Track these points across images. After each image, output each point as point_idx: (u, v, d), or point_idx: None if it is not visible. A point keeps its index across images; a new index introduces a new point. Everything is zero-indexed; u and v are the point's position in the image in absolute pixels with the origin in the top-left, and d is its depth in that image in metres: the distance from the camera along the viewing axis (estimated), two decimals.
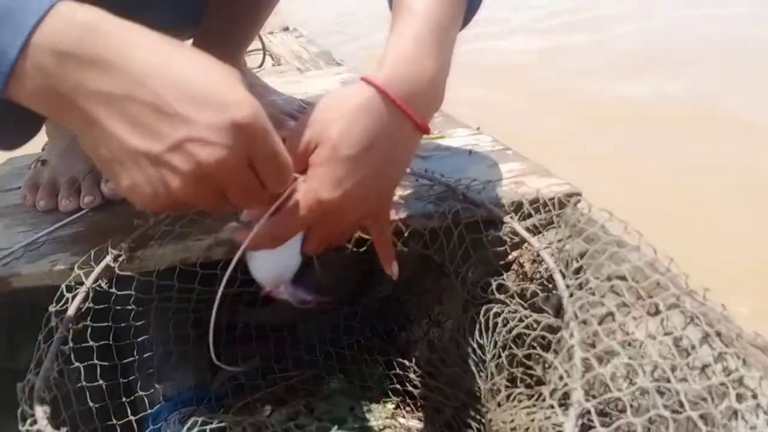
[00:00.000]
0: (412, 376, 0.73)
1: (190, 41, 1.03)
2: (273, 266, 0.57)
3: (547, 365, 0.64)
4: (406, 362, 0.75)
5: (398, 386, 0.75)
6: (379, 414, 0.71)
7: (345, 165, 0.49)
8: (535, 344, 0.63)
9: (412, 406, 0.73)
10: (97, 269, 0.60)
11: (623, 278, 0.61)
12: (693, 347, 0.51)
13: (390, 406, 0.73)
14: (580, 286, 0.63)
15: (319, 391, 0.76)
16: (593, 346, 0.58)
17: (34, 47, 0.37)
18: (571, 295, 0.59)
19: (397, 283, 0.84)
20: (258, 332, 0.78)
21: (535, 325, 0.63)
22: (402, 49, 0.52)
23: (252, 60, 1.41)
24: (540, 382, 0.64)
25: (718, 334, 0.51)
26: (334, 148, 0.49)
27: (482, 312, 0.65)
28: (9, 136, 0.49)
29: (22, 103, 0.39)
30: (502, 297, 0.67)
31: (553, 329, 0.62)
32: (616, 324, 0.60)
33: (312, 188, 0.50)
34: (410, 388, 0.74)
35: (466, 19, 0.60)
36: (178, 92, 0.38)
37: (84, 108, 0.38)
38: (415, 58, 0.52)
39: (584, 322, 0.60)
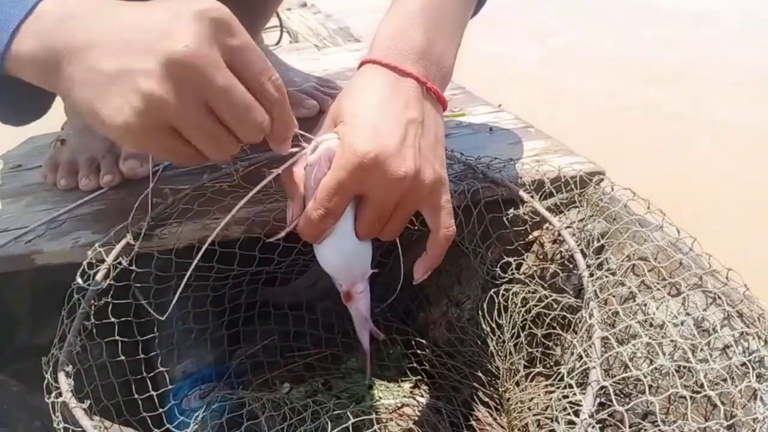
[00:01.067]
0: (430, 355, 0.73)
1: None
2: (338, 255, 0.54)
3: (566, 345, 0.64)
4: (424, 342, 0.75)
5: (416, 365, 0.75)
6: (396, 392, 0.71)
7: (378, 113, 0.49)
8: (554, 324, 0.63)
9: (429, 385, 0.73)
10: (118, 247, 0.61)
11: (645, 258, 0.60)
12: (714, 328, 0.51)
13: (408, 385, 0.74)
14: (601, 266, 0.62)
15: (338, 369, 0.76)
16: (613, 326, 0.57)
17: (35, 16, 0.42)
18: (592, 274, 0.58)
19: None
20: (276, 310, 0.79)
21: (554, 305, 0.62)
22: (386, 28, 0.54)
23: (269, 37, 1.40)
24: (559, 363, 0.63)
25: (740, 315, 0.50)
26: (352, 103, 0.51)
27: (501, 292, 0.65)
28: (19, 112, 0.50)
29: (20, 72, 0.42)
30: (521, 277, 0.67)
31: (573, 309, 0.62)
32: (637, 304, 0.60)
33: (346, 140, 0.48)
34: (428, 368, 0.74)
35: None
36: (137, 25, 0.40)
37: (72, 61, 0.41)
38: (400, 32, 0.53)
39: (605, 302, 0.59)
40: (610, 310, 0.58)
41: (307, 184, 0.51)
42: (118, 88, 0.39)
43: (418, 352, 0.75)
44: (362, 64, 0.53)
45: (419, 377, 0.75)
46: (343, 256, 0.54)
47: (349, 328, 0.82)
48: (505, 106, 0.90)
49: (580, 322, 0.60)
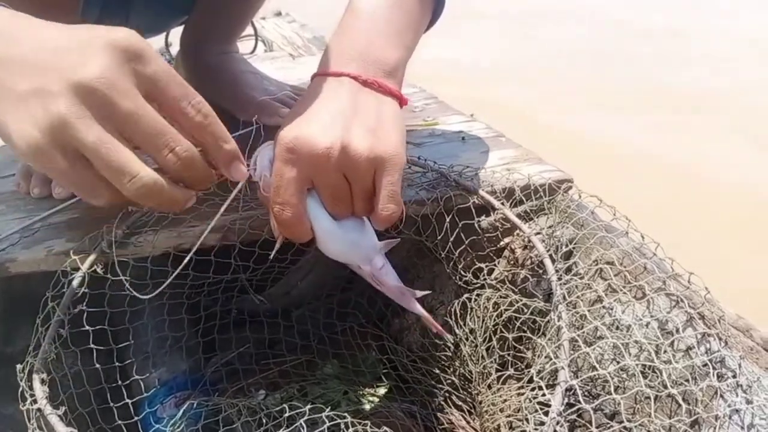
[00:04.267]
0: (404, 360, 0.75)
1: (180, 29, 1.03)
2: (335, 242, 0.57)
3: (536, 348, 0.65)
4: (399, 347, 0.76)
5: (391, 371, 0.76)
6: (372, 398, 0.72)
7: (304, 108, 0.55)
8: (525, 328, 0.64)
9: (404, 390, 0.74)
10: (92, 255, 0.61)
11: (611, 263, 0.62)
12: (677, 329, 0.53)
13: (382, 390, 0.75)
14: (569, 270, 0.64)
15: (313, 375, 0.77)
16: (581, 328, 0.59)
17: None
18: (560, 279, 0.60)
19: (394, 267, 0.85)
20: (251, 318, 0.79)
21: (525, 310, 0.64)
22: (330, 43, 0.61)
23: (244, 46, 1.40)
24: (530, 366, 0.65)
25: (702, 317, 0.52)
26: (289, 113, 0.57)
27: (474, 297, 0.66)
28: None
29: None
30: (493, 282, 0.68)
31: (544, 313, 0.64)
32: (603, 307, 0.62)
33: (277, 138, 0.55)
34: (403, 373, 0.75)
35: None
36: (52, 47, 0.41)
37: None
38: (337, 41, 0.59)
39: (573, 305, 0.61)
40: (578, 312, 0.60)
41: (267, 192, 0.56)
42: (27, 108, 0.40)
43: (393, 357, 0.76)
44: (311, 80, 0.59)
45: (394, 382, 0.76)
46: (341, 241, 0.57)
47: (324, 335, 0.83)
48: (477, 115, 0.92)
49: (549, 325, 0.62)
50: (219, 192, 0.70)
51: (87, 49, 0.41)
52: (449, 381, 0.70)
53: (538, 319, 0.62)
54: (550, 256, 0.62)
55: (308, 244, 0.60)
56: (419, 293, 0.64)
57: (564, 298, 0.58)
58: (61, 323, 0.56)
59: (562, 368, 0.49)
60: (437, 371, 0.72)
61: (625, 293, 0.60)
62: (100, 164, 0.42)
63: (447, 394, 0.70)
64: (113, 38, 0.42)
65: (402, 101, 0.59)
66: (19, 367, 0.52)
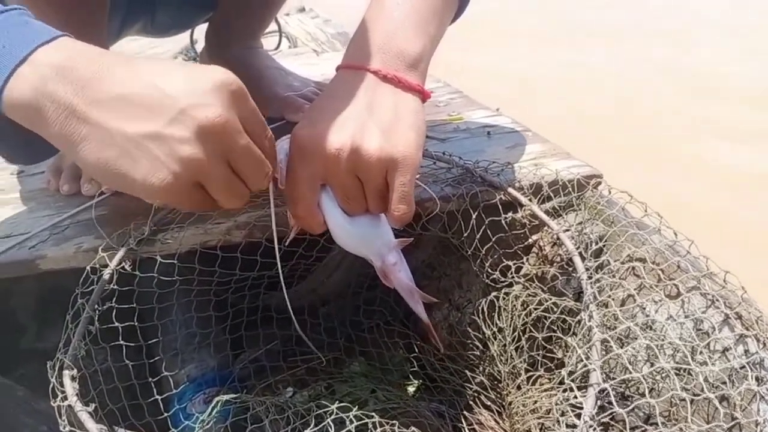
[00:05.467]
0: (432, 359, 0.74)
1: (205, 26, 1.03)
2: (349, 235, 0.58)
3: (567, 348, 0.64)
4: (426, 346, 0.75)
5: (419, 369, 0.75)
6: (399, 397, 0.72)
7: (320, 104, 0.56)
8: (555, 327, 0.63)
9: (432, 389, 0.73)
10: (120, 252, 0.61)
11: (643, 260, 0.61)
12: (713, 330, 0.51)
13: (410, 388, 0.74)
14: (600, 269, 0.63)
15: (340, 373, 0.77)
16: (613, 328, 0.58)
17: (33, 65, 0.43)
18: (590, 277, 0.59)
19: (417, 266, 0.85)
20: (279, 315, 0.79)
21: (554, 309, 0.63)
22: (352, 36, 0.60)
23: (268, 42, 1.41)
24: (560, 366, 0.64)
25: (739, 317, 0.51)
26: (308, 108, 0.59)
27: (501, 295, 0.66)
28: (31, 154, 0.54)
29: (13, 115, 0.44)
30: (521, 280, 0.67)
31: (574, 312, 0.62)
32: (636, 306, 0.60)
33: (291, 134, 0.56)
34: (431, 372, 0.74)
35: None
36: (157, 90, 0.43)
37: (84, 118, 0.43)
38: (359, 35, 0.58)
39: (604, 304, 0.60)
40: (609, 312, 0.59)
41: (284, 185, 0.57)
42: (148, 152, 0.43)
43: (421, 356, 0.76)
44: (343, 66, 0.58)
45: (422, 381, 0.75)
46: (353, 235, 0.58)
47: (351, 332, 0.83)
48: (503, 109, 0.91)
49: (580, 324, 0.61)
50: None
51: (201, 91, 0.44)
52: (478, 380, 0.69)
53: (568, 318, 0.61)
54: (580, 253, 0.60)
55: (332, 241, 0.61)
56: (430, 298, 0.64)
57: (594, 297, 0.57)
58: (90, 320, 0.56)
59: (594, 370, 0.48)
60: (465, 370, 0.71)
61: (658, 292, 0.59)
62: (226, 197, 0.48)
63: (476, 394, 0.69)
64: (221, 80, 0.44)
65: (424, 95, 0.57)
66: (49, 363, 0.53)
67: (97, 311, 0.57)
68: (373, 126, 0.53)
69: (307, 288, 0.87)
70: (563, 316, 0.60)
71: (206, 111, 0.43)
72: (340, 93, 0.56)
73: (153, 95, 0.43)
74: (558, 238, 0.64)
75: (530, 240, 0.69)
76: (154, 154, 0.43)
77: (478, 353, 0.71)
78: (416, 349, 0.77)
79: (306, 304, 0.85)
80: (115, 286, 0.60)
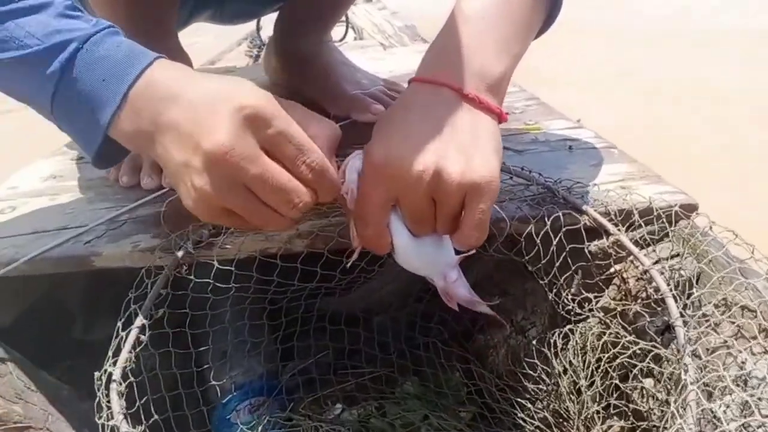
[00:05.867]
0: (492, 388, 0.69)
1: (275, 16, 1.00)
2: (412, 256, 0.55)
3: (646, 395, 0.59)
4: (487, 374, 0.70)
5: (476, 396, 0.70)
6: (454, 424, 0.67)
7: (398, 121, 0.52)
8: (635, 370, 0.58)
9: (490, 419, 0.68)
10: (178, 255, 0.58)
11: (744, 308, 0.54)
12: None
13: (466, 416, 0.69)
14: (690, 308, 0.57)
15: (392, 393, 0.73)
16: (706, 385, 0.52)
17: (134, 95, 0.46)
18: (686, 323, 0.53)
19: (477, 281, 0.80)
20: (332, 326, 0.75)
21: (637, 351, 0.57)
22: (431, 47, 0.56)
23: (333, 32, 1.37)
24: (637, 414, 0.58)
25: None
26: (380, 121, 0.54)
27: (578, 330, 0.60)
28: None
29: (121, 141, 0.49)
30: (600, 314, 0.62)
31: (658, 357, 0.57)
32: (728, 354, 0.54)
33: (365, 152, 0.52)
34: (488, 400, 0.69)
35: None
36: (189, 118, 0.45)
37: (158, 141, 0.47)
38: (440, 48, 0.55)
39: (698, 356, 0.54)
40: (699, 359, 0.53)
41: (353, 206, 0.54)
42: (181, 178, 0.46)
43: (479, 383, 0.71)
44: (408, 84, 0.56)
45: (478, 409, 0.70)
46: (418, 256, 0.55)
47: (405, 348, 0.79)
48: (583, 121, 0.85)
49: (665, 369, 0.55)
50: None
51: (214, 116, 0.44)
52: (541, 416, 0.64)
53: (654, 366, 0.55)
54: (674, 295, 0.54)
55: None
56: (496, 316, 0.62)
57: (690, 349, 0.51)
58: (142, 329, 0.54)
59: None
60: (528, 404, 0.66)
61: (759, 343, 0.53)
62: (258, 222, 0.48)
63: (537, 431, 0.64)
64: (238, 104, 0.44)
65: (501, 118, 0.54)
66: (96, 374, 0.50)
67: (149, 319, 0.54)
68: (454, 149, 0.49)
69: (363, 294, 0.83)
70: (649, 364, 0.55)
71: (210, 140, 0.43)
72: (416, 108, 0.52)
73: (187, 122, 0.45)
74: (646, 273, 0.58)
75: (612, 270, 0.63)
76: (183, 180, 0.46)
77: (544, 387, 0.66)
78: (475, 375, 0.72)
79: (360, 312, 0.82)
80: (170, 290, 0.58)
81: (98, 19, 0.49)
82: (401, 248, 0.54)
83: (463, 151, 0.49)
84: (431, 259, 0.56)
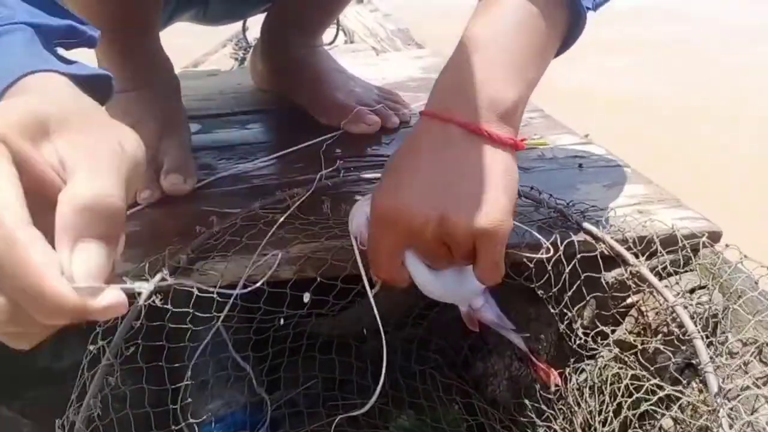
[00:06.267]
0: (495, 425, 0.64)
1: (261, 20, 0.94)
2: (437, 287, 0.54)
3: None
4: (488, 408, 0.65)
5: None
6: None
7: (404, 164, 0.50)
8: (654, 413, 0.53)
9: None
10: (152, 284, 0.52)
11: None
12: None
13: None
14: (715, 347, 0.52)
15: (386, 426, 0.67)
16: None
17: None
18: (717, 368, 0.48)
19: None
20: (321, 353, 0.70)
21: (656, 390, 0.52)
22: (440, 79, 0.53)
23: (323, 36, 1.31)
24: None
25: None
26: (389, 165, 0.52)
27: (597, 367, 0.55)
28: None
29: None
30: (617, 351, 0.57)
31: (677, 399, 0.52)
32: (760, 396, 0.50)
33: (372, 199, 0.51)
34: None
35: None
36: None
37: None
38: (448, 80, 0.52)
39: (727, 398, 0.49)
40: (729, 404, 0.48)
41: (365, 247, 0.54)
42: None
43: (482, 419, 0.66)
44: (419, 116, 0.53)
45: None
46: (440, 287, 0.54)
47: (399, 378, 0.73)
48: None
49: (694, 420, 0.50)
50: (300, 215, 0.61)
51: None
52: None
53: (678, 412, 0.50)
54: (702, 337, 0.49)
55: None
56: (524, 346, 0.61)
57: (722, 394, 0.46)
58: (110, 369, 0.47)
59: None
60: None
61: None
62: None
63: None
64: None
65: (517, 147, 0.51)
66: (58, 422, 0.44)
67: (119, 357, 0.48)
68: (461, 193, 0.48)
69: (351, 317, 0.78)
70: (676, 413, 0.50)
71: None
72: (423, 150, 0.50)
73: None
74: (669, 309, 0.53)
75: (629, 301, 0.58)
76: None
77: (554, 426, 0.61)
78: (476, 409, 0.67)
79: (351, 337, 0.76)
80: (144, 322, 0.52)
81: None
82: (422, 282, 0.53)
83: (471, 193, 0.47)
84: (454, 289, 0.55)
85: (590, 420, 0.55)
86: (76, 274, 0.27)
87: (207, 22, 0.95)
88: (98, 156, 0.30)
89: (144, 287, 0.33)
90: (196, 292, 0.54)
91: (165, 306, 0.53)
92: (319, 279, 0.57)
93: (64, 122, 0.31)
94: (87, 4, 0.66)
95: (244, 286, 0.56)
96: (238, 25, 1.24)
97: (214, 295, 0.54)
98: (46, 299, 0.25)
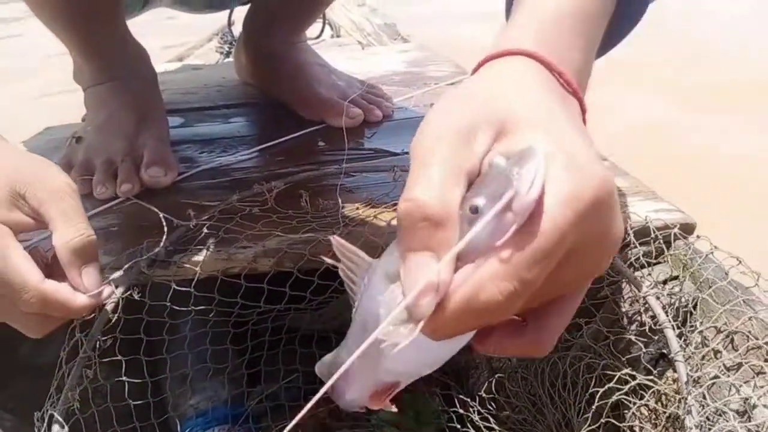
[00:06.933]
0: (475, 418, 0.64)
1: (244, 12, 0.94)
2: (426, 358, 0.36)
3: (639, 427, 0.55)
4: (471, 403, 0.66)
5: (458, 426, 0.66)
6: None
7: (577, 137, 0.31)
8: (628, 404, 0.54)
9: None
10: (130, 277, 0.53)
11: (747, 337, 0.51)
12: None
13: None
14: (685, 336, 0.53)
15: (367, 420, 0.68)
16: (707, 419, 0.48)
17: None
18: (688, 358, 0.49)
19: None
20: (302, 347, 0.70)
21: (628, 379, 0.53)
22: (524, 19, 0.39)
23: (309, 29, 1.31)
24: None
25: None
26: (553, 122, 0.31)
27: (568, 361, 0.56)
28: None
29: None
30: (590, 342, 0.57)
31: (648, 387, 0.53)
32: (730, 385, 0.50)
33: (566, 176, 0.28)
34: (471, 430, 0.65)
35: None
36: None
37: None
38: (545, 28, 0.38)
39: (698, 386, 0.50)
40: (699, 390, 0.49)
41: (476, 241, 0.28)
42: None
43: (463, 412, 0.66)
44: (506, 54, 0.36)
45: None
46: (432, 359, 0.36)
47: None
48: None
49: (664, 408, 0.51)
50: (278, 208, 0.61)
51: None
52: None
53: (652, 403, 0.51)
54: (673, 326, 0.50)
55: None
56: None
57: (694, 381, 0.47)
58: (88, 361, 0.48)
59: None
60: None
61: (763, 375, 0.49)
62: None
63: None
64: None
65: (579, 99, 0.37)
66: (37, 414, 0.45)
67: (97, 350, 0.48)
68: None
69: (332, 314, 0.78)
70: (647, 402, 0.50)
71: None
72: (571, 115, 0.34)
73: None
74: (642, 299, 0.54)
75: (602, 293, 0.59)
76: None
77: (528, 417, 0.62)
78: (457, 403, 0.68)
79: (332, 330, 0.77)
80: (121, 314, 0.52)
81: None
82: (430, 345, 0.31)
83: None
84: (431, 365, 0.37)
85: (565, 411, 0.56)
86: (89, 288, 0.46)
87: (190, 11, 0.95)
88: (61, 203, 0.45)
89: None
90: (173, 285, 0.55)
91: (142, 299, 0.54)
92: (296, 274, 0.57)
93: (28, 183, 0.44)
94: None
95: (222, 279, 0.57)
96: (225, 18, 1.24)
97: (191, 289, 0.55)
98: (73, 311, 0.46)
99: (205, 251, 0.56)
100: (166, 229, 0.55)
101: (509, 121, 0.31)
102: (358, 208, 0.63)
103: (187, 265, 0.56)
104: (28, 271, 0.43)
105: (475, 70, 0.37)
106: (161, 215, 0.55)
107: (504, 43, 0.36)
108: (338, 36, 1.36)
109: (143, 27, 0.89)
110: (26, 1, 0.68)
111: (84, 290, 0.45)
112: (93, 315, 0.51)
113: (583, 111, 0.37)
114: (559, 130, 0.31)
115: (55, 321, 0.46)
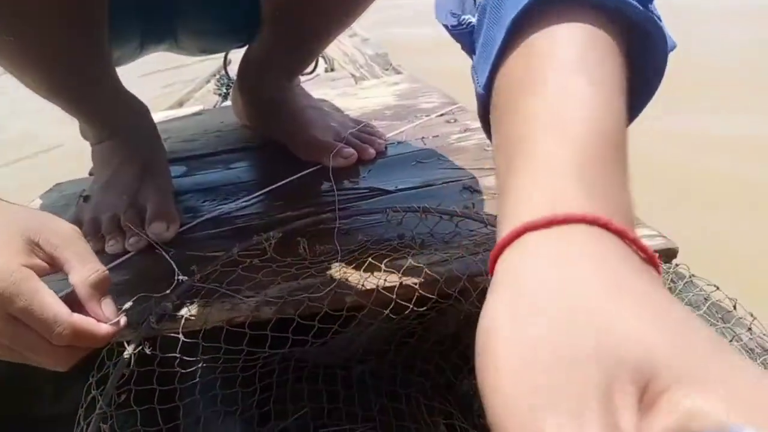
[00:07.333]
0: None
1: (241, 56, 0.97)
2: None
3: None
4: (470, 429, 0.68)
5: None
6: None
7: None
8: None
9: None
10: (140, 333, 0.56)
11: None
12: None
13: None
14: None
15: None
16: None
17: None
18: None
19: (459, 321, 0.77)
20: (309, 385, 0.73)
21: None
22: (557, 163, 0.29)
23: None
24: None
25: None
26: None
27: None
28: None
29: None
30: None
31: None
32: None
33: None
34: None
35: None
36: None
37: None
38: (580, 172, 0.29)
39: None
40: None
41: None
42: None
43: None
44: (554, 222, 0.27)
45: None
46: None
47: (387, 404, 0.76)
48: None
49: None
50: (276, 257, 0.64)
51: None
52: None
53: None
54: None
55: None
56: None
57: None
58: (104, 417, 0.51)
59: None
60: None
61: None
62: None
63: None
64: None
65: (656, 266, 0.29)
66: None
67: (112, 405, 0.52)
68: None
69: (340, 344, 0.81)
70: None
71: None
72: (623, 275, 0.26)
73: None
74: None
75: None
76: None
77: None
78: (458, 430, 0.70)
79: (340, 361, 0.79)
80: (134, 368, 0.55)
81: None
82: None
83: None
84: None
85: None
86: (110, 317, 0.51)
87: (188, 54, 0.99)
88: (73, 246, 0.50)
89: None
90: (182, 338, 0.58)
91: (154, 353, 0.57)
92: (297, 320, 0.60)
93: (40, 232, 0.49)
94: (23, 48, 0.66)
95: (227, 329, 0.60)
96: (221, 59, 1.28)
97: (199, 340, 0.59)
98: (98, 340, 0.50)
99: (210, 303, 0.59)
100: (176, 281, 0.59)
101: (647, 368, 0.21)
102: (354, 250, 0.66)
103: (194, 318, 0.59)
104: (58, 307, 0.47)
105: (506, 243, 0.27)
106: (177, 273, 0.59)
107: (539, 199, 0.27)
108: (332, 69, 1.40)
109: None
110: (19, 79, 0.71)
111: (105, 320, 0.50)
112: (107, 369, 0.54)
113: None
114: (723, 374, 0.21)
115: (81, 351, 0.51)
